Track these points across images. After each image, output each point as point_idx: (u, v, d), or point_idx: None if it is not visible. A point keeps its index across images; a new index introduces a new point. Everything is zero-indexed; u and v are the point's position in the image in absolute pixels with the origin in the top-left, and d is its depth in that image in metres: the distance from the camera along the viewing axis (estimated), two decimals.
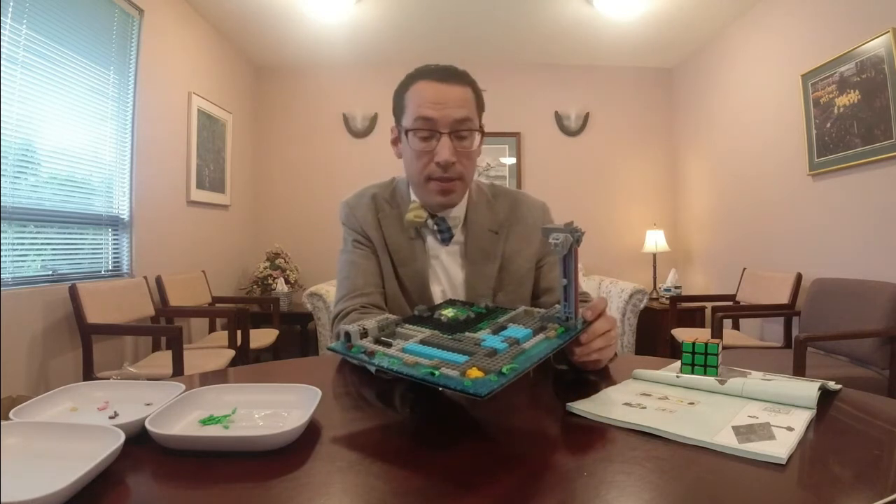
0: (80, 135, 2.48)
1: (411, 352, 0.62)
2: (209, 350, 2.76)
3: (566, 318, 0.69)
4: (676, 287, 3.93)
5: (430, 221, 1.01)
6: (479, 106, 0.99)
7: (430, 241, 1.03)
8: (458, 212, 1.03)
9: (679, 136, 4.48)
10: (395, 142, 1.02)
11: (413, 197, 1.04)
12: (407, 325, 0.73)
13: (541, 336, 0.65)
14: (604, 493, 0.44)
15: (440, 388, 0.53)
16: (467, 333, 0.67)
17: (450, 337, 0.66)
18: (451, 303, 0.84)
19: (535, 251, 1.06)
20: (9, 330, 1.99)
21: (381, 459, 0.52)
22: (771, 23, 3.22)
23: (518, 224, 1.06)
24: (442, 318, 0.74)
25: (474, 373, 0.54)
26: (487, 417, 0.63)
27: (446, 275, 1.03)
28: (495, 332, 0.67)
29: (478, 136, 0.96)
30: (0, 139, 1.97)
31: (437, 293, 1.02)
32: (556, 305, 0.73)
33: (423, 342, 0.65)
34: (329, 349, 0.68)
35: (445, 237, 1.02)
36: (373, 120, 4.36)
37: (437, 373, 0.54)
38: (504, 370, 0.54)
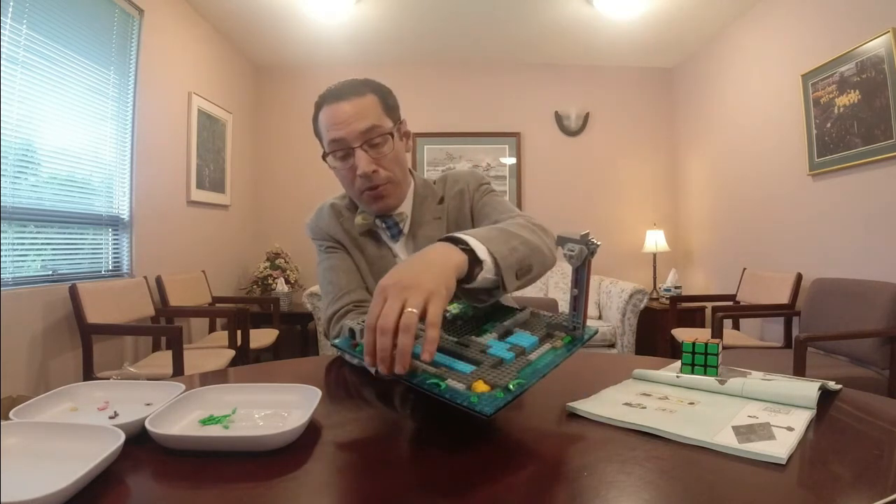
0: (80, 135, 2.48)
1: (417, 356, 0.61)
2: (209, 350, 2.76)
3: (573, 327, 0.69)
4: (676, 287, 3.94)
5: (377, 221, 1.05)
6: (389, 107, 0.99)
7: (387, 240, 1.08)
8: (403, 208, 1.06)
9: (679, 136, 4.49)
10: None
11: None
12: None
13: (547, 346, 0.65)
14: (604, 493, 0.44)
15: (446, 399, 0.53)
16: (472, 337, 0.67)
17: (455, 340, 0.66)
18: (455, 296, 0.83)
19: (468, 213, 1.09)
20: (9, 330, 1.99)
21: (380, 459, 0.52)
22: (771, 23, 3.22)
23: (450, 199, 1.09)
24: (447, 314, 0.74)
25: (480, 386, 0.53)
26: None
27: None
28: (501, 338, 0.66)
29: (392, 138, 0.98)
30: (0, 139, 1.97)
31: None
32: (564, 312, 0.72)
33: None
34: (333, 345, 0.68)
35: (394, 233, 1.06)
36: None
37: (443, 385, 0.54)
38: (511, 386, 0.54)
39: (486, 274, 0.69)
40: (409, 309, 0.55)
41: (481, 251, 0.69)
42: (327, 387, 0.80)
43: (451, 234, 0.71)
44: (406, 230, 1.07)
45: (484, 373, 0.57)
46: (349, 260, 1.06)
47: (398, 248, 1.07)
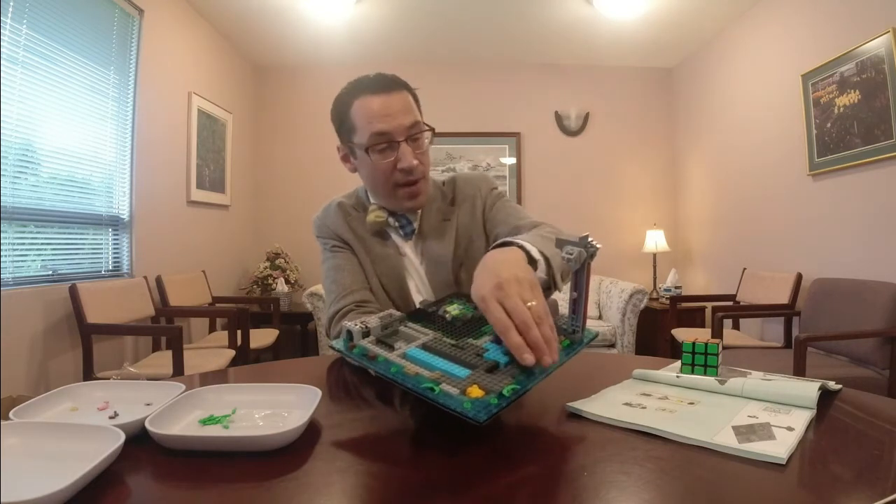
0: (80, 135, 2.48)
1: (413, 359, 0.61)
2: (209, 350, 2.76)
3: (573, 331, 0.69)
4: (676, 287, 3.94)
5: (390, 220, 1.06)
6: (419, 106, 1.02)
7: (396, 238, 1.08)
8: None
9: (679, 136, 4.48)
10: (346, 159, 1.05)
11: (372, 201, 1.08)
12: (410, 324, 0.72)
13: None
14: (604, 494, 0.44)
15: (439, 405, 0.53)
16: (470, 340, 0.67)
17: (452, 343, 0.66)
18: (456, 296, 0.83)
19: (480, 217, 1.10)
20: (9, 330, 1.99)
21: (380, 459, 0.52)
22: (771, 23, 3.22)
23: (461, 201, 1.10)
24: (446, 315, 0.73)
25: (475, 392, 0.53)
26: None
27: (414, 268, 1.07)
28: (498, 341, 0.66)
29: (428, 135, 1.00)
30: (0, 139, 1.97)
31: (412, 287, 1.06)
32: (563, 315, 0.72)
33: (424, 347, 0.65)
34: (331, 347, 0.68)
35: (408, 231, 1.07)
36: None
37: (437, 389, 0.54)
38: (505, 391, 0.54)
39: (540, 273, 0.75)
40: (530, 303, 0.59)
41: (534, 252, 0.75)
42: (327, 387, 0.80)
43: (502, 240, 0.76)
44: (417, 226, 1.07)
45: (479, 377, 0.57)
46: (354, 259, 1.06)
47: (407, 246, 1.07)
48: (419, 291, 1.06)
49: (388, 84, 0.96)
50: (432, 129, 1.00)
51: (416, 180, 0.98)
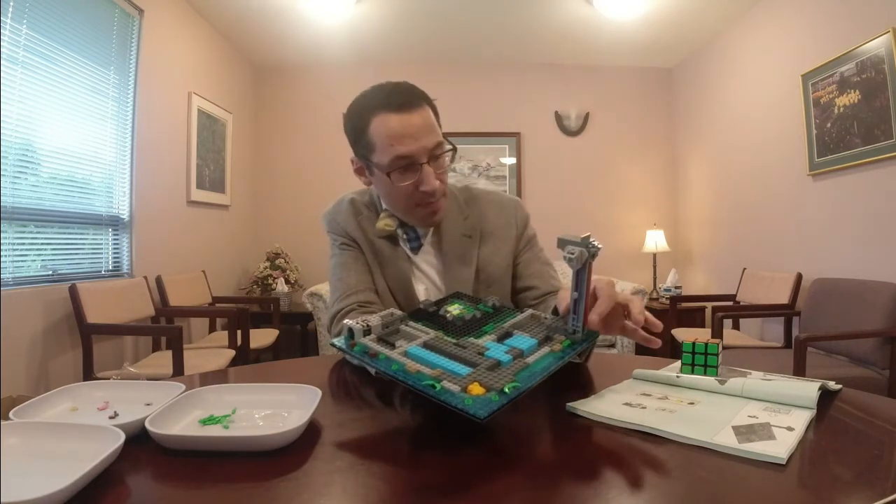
0: (80, 135, 2.48)
1: (414, 357, 0.61)
2: (209, 350, 2.76)
3: (573, 331, 0.69)
4: (676, 287, 3.94)
5: (399, 230, 1.03)
6: (439, 120, 0.97)
7: (406, 250, 1.06)
8: None
9: (679, 136, 4.48)
10: (360, 172, 1.01)
11: (384, 206, 1.05)
12: (411, 324, 0.72)
13: (545, 349, 0.65)
14: (604, 493, 0.44)
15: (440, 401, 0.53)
16: (471, 339, 0.67)
17: (454, 342, 0.66)
18: (457, 296, 0.83)
19: (511, 250, 1.08)
20: (9, 330, 1.99)
21: (380, 459, 0.52)
22: (771, 23, 3.22)
23: (491, 228, 1.07)
24: (447, 315, 0.73)
25: (476, 389, 0.53)
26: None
27: (424, 275, 1.06)
28: (500, 340, 0.66)
29: (449, 154, 0.96)
30: (0, 139, 1.97)
31: (421, 291, 1.05)
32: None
33: (426, 345, 0.65)
34: (332, 345, 0.68)
35: (414, 246, 1.04)
36: None
37: (438, 386, 0.54)
38: (506, 389, 0.54)
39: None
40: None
41: None
42: (328, 387, 0.80)
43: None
44: (426, 242, 1.05)
45: (480, 375, 0.57)
46: (362, 259, 1.05)
47: (418, 258, 1.05)
48: (428, 295, 1.04)
49: (408, 100, 0.89)
50: (455, 149, 0.96)
51: (437, 199, 0.96)
